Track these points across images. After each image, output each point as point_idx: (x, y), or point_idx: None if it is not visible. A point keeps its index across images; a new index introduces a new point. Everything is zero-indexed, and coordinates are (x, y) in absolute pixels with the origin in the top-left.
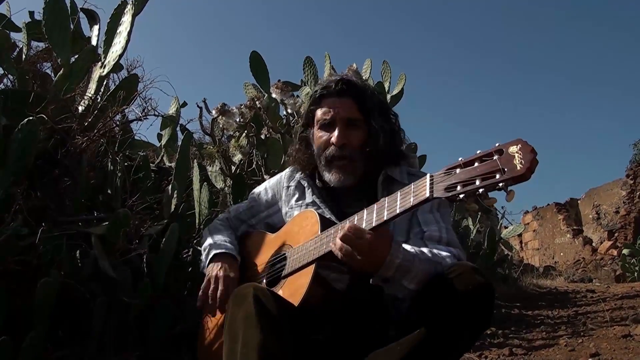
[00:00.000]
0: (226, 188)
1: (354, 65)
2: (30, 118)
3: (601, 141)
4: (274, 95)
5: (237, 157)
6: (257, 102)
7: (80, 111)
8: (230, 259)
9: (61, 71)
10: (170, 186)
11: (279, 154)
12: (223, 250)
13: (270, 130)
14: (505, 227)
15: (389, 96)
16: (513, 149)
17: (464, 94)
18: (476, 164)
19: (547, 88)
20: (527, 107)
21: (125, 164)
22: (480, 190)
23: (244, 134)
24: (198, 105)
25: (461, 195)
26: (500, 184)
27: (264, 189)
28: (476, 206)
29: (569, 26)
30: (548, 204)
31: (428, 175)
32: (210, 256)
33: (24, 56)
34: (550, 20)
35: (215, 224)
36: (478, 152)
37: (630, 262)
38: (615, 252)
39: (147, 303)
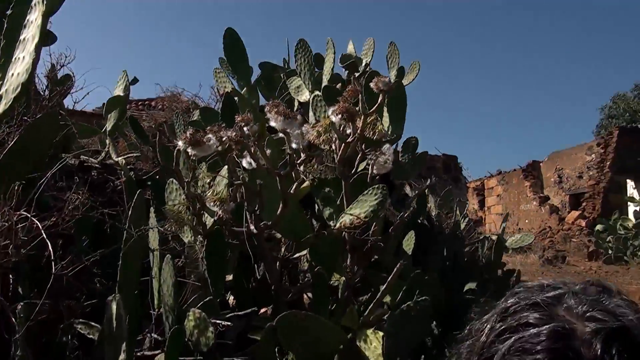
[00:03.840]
0: (197, 243)
1: (351, 45)
2: None
3: (566, 104)
4: (272, 123)
5: (215, 209)
6: (245, 129)
7: None
8: None
9: None
10: (113, 303)
11: (274, 201)
12: None
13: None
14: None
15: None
16: None
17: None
18: None
19: (512, 46)
20: (494, 65)
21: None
22: None
23: (224, 182)
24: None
25: None
26: None
27: None
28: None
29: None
30: (514, 169)
31: None
32: None
33: None
34: None
35: None
36: None
37: (606, 240)
38: (583, 223)
39: None
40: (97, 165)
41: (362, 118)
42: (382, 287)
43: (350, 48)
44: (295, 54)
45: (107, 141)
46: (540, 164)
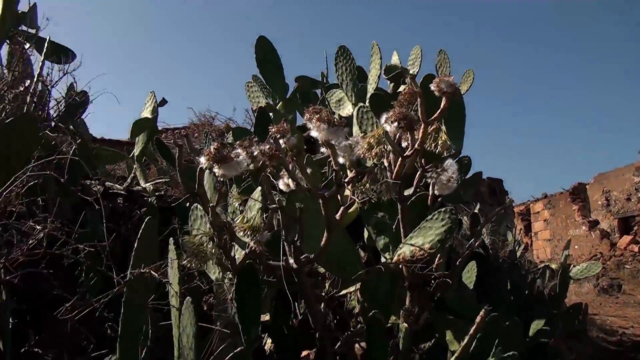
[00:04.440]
0: (226, 280)
1: (395, 56)
2: None
3: (608, 124)
4: (313, 133)
5: (247, 240)
6: (281, 142)
7: None
8: None
9: None
10: None
11: (317, 229)
12: None
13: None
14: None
15: None
16: None
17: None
18: None
19: (556, 68)
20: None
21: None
22: None
23: (257, 206)
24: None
25: None
26: None
27: None
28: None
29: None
30: (561, 192)
31: None
32: None
33: None
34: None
35: None
36: None
37: None
38: (636, 249)
39: None
40: (122, 192)
41: (423, 127)
42: (459, 338)
43: (395, 59)
44: (335, 63)
45: (135, 166)
46: (587, 186)
